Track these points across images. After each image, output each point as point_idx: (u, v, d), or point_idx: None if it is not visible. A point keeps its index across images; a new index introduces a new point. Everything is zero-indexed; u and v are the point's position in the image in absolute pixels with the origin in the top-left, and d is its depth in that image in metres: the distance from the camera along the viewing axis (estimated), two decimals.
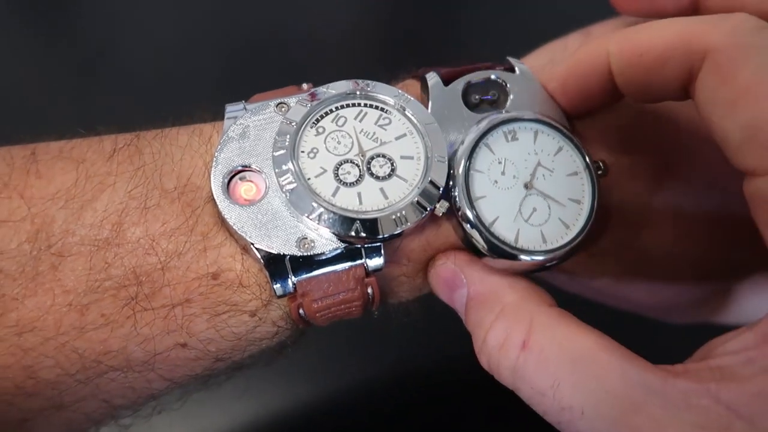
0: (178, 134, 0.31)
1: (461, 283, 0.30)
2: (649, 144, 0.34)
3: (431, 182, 0.29)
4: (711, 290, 0.37)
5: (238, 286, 0.29)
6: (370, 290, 0.30)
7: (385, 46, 0.64)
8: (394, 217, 0.28)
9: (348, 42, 0.64)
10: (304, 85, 0.33)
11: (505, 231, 0.30)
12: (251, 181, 0.30)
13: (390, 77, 0.36)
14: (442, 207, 0.29)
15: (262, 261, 0.29)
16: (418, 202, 0.29)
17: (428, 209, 0.29)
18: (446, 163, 0.30)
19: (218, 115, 0.32)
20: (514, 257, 0.30)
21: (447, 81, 0.33)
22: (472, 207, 0.30)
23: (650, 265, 0.35)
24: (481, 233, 0.29)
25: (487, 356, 0.28)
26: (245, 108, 0.31)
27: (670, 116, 0.34)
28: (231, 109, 0.31)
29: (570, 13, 0.40)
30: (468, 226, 0.30)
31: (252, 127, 0.30)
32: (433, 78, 0.33)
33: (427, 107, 0.32)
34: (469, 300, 0.30)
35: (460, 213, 0.30)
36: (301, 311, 0.30)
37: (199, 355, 0.30)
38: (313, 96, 0.30)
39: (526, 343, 0.27)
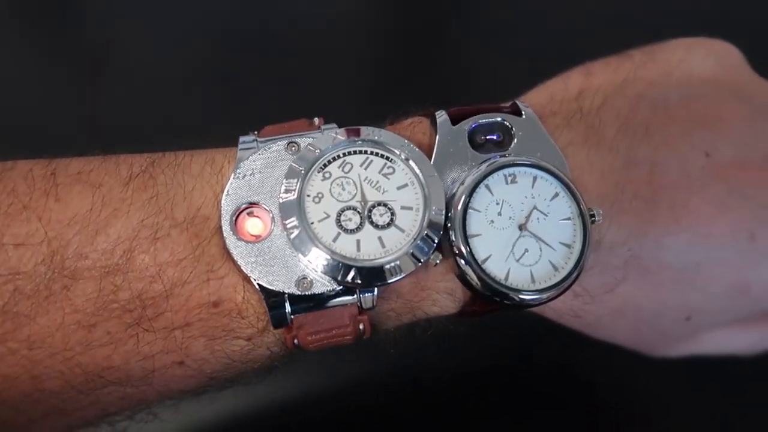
0: (192, 162, 0.33)
1: None
2: (641, 191, 0.35)
3: (427, 235, 0.31)
4: (697, 330, 0.39)
5: (236, 314, 0.31)
6: (361, 326, 0.32)
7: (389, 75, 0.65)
8: (389, 266, 0.30)
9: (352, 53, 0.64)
10: (315, 120, 0.35)
11: (497, 269, 0.32)
12: (258, 216, 0.31)
13: (401, 111, 0.37)
14: (435, 258, 0.31)
15: (262, 296, 0.30)
16: (413, 254, 0.31)
17: (421, 261, 0.31)
18: (443, 216, 0.31)
19: (228, 139, 0.34)
20: (504, 295, 0.31)
21: (455, 120, 0.34)
22: (467, 244, 0.31)
23: (633, 309, 0.37)
24: (473, 270, 0.31)
25: None
26: (257, 141, 0.33)
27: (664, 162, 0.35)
28: (244, 141, 0.33)
29: (570, 52, 0.41)
30: (462, 262, 0.31)
31: (262, 165, 0.32)
32: (441, 116, 0.34)
33: (434, 144, 0.33)
34: None
35: (455, 249, 0.31)
36: (295, 341, 0.32)
37: (194, 374, 0.32)
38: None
39: None
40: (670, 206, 0.35)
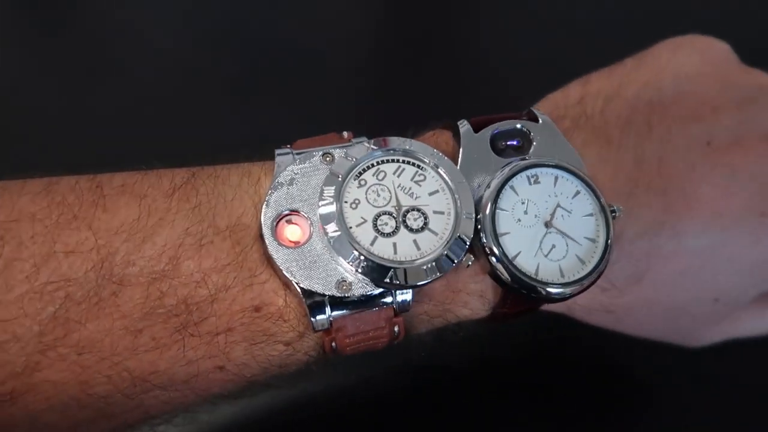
0: (230, 175, 0.34)
1: None
2: (653, 182, 0.37)
3: (460, 237, 0.32)
4: (731, 311, 0.41)
5: (277, 319, 0.32)
6: (396, 328, 0.33)
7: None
8: (425, 267, 0.32)
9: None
10: (345, 134, 0.36)
11: (526, 264, 0.33)
12: (296, 224, 0.33)
13: (423, 125, 0.39)
14: (468, 260, 0.33)
15: (303, 299, 0.32)
16: (447, 255, 0.32)
17: (455, 261, 0.32)
18: (473, 219, 0.33)
19: (255, 151, 0.36)
20: (534, 288, 0.33)
21: (476, 129, 0.36)
22: (498, 242, 0.33)
23: (665, 296, 0.39)
24: (505, 266, 0.33)
25: None
26: (292, 154, 0.34)
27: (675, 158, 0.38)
28: (280, 153, 0.34)
29: (570, 70, 0.43)
30: (494, 259, 0.33)
31: (300, 174, 0.33)
32: (464, 125, 0.36)
33: (458, 152, 0.35)
34: None
35: (486, 248, 0.33)
36: (333, 344, 0.33)
37: (234, 378, 0.33)
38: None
39: None
40: (681, 195, 0.37)
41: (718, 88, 0.41)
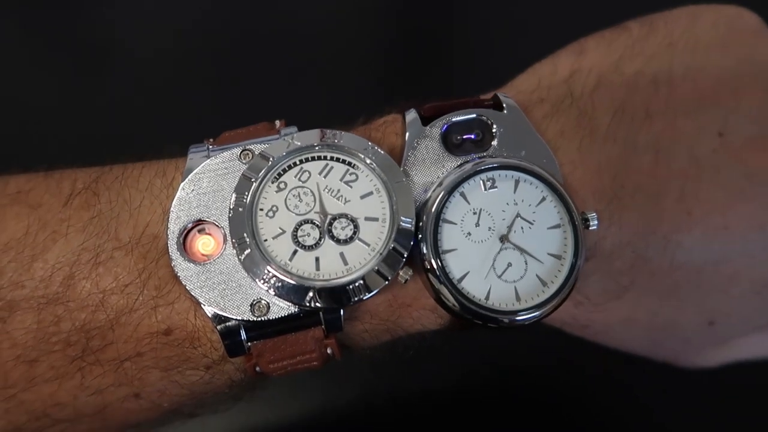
0: (140, 175, 0.30)
1: None
2: (644, 183, 0.31)
3: (395, 249, 0.28)
4: (726, 337, 0.35)
5: (190, 342, 0.28)
6: (329, 350, 0.29)
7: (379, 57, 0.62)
8: (352, 286, 0.27)
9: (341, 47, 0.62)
10: (277, 122, 0.31)
11: (476, 288, 0.28)
12: (209, 233, 0.29)
13: (374, 109, 0.34)
14: (405, 274, 0.28)
15: (214, 324, 0.28)
16: (378, 271, 0.27)
17: (389, 279, 0.27)
18: (413, 226, 0.28)
19: (192, 142, 0.31)
20: (486, 318, 0.28)
21: (428, 118, 0.30)
22: (440, 261, 0.28)
23: (646, 316, 0.33)
24: (449, 290, 0.28)
25: None
26: (209, 150, 0.30)
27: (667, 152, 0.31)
28: (194, 151, 0.30)
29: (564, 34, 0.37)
30: (435, 280, 0.28)
31: (213, 176, 0.29)
32: (411, 115, 0.31)
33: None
34: None
35: (426, 265, 0.28)
36: (257, 368, 0.29)
37: (152, 406, 0.30)
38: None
39: None
40: (678, 198, 0.31)
41: (742, 66, 0.33)
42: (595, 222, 0.29)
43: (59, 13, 0.61)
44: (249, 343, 0.28)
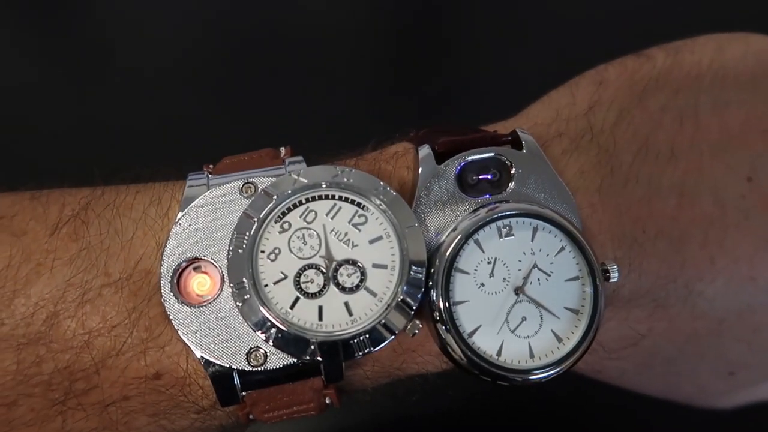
0: (134, 203, 0.28)
1: None
2: (666, 227, 0.29)
3: (403, 300, 0.26)
4: (745, 386, 0.33)
5: (181, 389, 0.27)
6: (328, 400, 0.27)
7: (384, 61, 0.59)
8: (356, 340, 0.25)
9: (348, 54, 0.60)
10: (282, 150, 0.30)
11: (487, 343, 0.27)
12: (206, 272, 0.27)
13: (384, 134, 0.32)
14: (413, 328, 0.26)
15: (206, 371, 0.26)
16: (385, 324, 0.25)
17: (396, 332, 0.26)
18: (423, 275, 0.26)
19: (190, 168, 0.29)
20: (495, 375, 0.26)
21: (443, 154, 0.29)
22: (450, 313, 0.26)
23: (663, 363, 0.32)
24: (458, 343, 0.26)
25: None
26: (208, 179, 0.28)
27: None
28: (192, 178, 0.28)
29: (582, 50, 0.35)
30: (443, 329, 0.26)
31: (211, 210, 0.27)
32: (424, 150, 0.29)
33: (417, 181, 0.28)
34: None
35: (435, 315, 0.26)
36: (250, 416, 0.27)
37: None
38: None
39: None
40: (702, 244, 0.29)
41: None
42: (616, 274, 0.27)
43: (53, 16, 0.59)
44: (243, 392, 0.26)
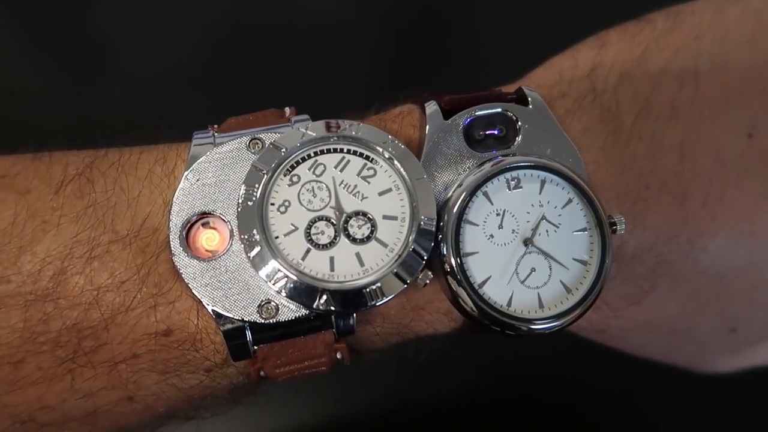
0: (138, 162, 0.28)
1: None
2: (669, 184, 0.30)
3: (414, 250, 0.26)
4: (746, 343, 0.34)
5: (191, 345, 0.26)
6: (339, 355, 0.27)
7: (390, 46, 0.60)
8: (368, 289, 0.25)
9: (348, 41, 0.60)
10: (287, 110, 0.29)
11: (497, 293, 0.27)
12: (215, 228, 0.27)
13: (389, 98, 0.32)
14: (425, 278, 0.26)
15: (218, 325, 0.26)
16: (397, 273, 0.26)
17: (407, 282, 0.26)
18: (434, 226, 0.26)
19: (192, 130, 0.29)
20: (506, 325, 0.27)
21: (449, 111, 0.29)
22: (461, 264, 0.26)
23: (666, 321, 0.32)
24: (469, 294, 0.26)
25: None
26: (214, 137, 0.28)
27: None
28: (199, 136, 0.28)
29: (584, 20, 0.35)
30: (454, 282, 0.26)
31: (219, 166, 0.27)
32: (432, 107, 0.29)
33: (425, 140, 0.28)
34: None
35: (446, 267, 0.26)
36: (261, 373, 0.27)
37: (145, 410, 0.28)
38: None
39: None
40: (703, 200, 0.29)
41: None
42: (623, 226, 0.28)
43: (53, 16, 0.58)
44: (254, 347, 0.26)
